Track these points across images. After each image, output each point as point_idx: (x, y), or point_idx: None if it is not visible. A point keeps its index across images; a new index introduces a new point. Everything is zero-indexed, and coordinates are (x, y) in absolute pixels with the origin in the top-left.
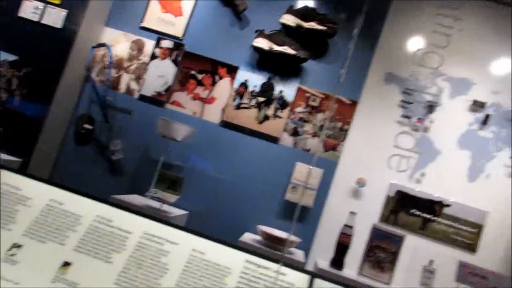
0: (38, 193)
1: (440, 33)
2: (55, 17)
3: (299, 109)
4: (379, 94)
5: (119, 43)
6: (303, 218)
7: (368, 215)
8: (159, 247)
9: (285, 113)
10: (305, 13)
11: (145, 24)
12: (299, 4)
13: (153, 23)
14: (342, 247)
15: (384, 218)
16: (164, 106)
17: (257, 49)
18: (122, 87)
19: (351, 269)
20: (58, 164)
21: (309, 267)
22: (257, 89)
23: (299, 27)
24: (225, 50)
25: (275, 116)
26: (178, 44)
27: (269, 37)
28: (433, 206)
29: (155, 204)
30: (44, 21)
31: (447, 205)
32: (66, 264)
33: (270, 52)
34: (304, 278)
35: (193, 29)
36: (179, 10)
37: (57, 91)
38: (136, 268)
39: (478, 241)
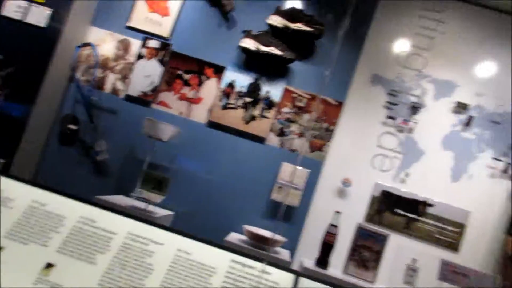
0: (21, 194)
1: (424, 35)
2: (39, 16)
3: (285, 109)
4: (365, 95)
5: (105, 42)
6: (289, 217)
7: (353, 214)
8: (144, 248)
9: (271, 113)
10: (292, 14)
11: (131, 23)
12: (286, 5)
13: (139, 22)
14: (327, 246)
15: (369, 218)
16: (151, 106)
17: (244, 50)
18: (108, 87)
19: (336, 268)
20: (42, 165)
21: (295, 266)
22: (244, 90)
23: (286, 28)
24: (212, 51)
25: (262, 116)
26: (164, 44)
27: (256, 38)
28: (417, 206)
29: (141, 204)
30: (27, 20)
31: (431, 205)
32: (49, 265)
33: (257, 53)
34: (289, 277)
35: (180, 29)
36: (166, 10)
37: (41, 91)
38: (121, 268)
39: (461, 240)
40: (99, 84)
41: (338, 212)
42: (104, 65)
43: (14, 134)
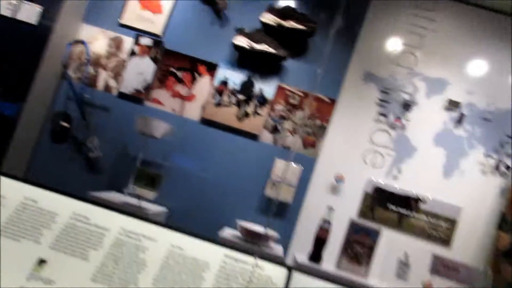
0: (12, 191)
1: (417, 34)
2: (30, 13)
3: (279, 107)
4: (357, 93)
5: (97, 40)
6: (283, 214)
7: (346, 210)
8: (137, 243)
9: (265, 110)
10: (285, 12)
11: (123, 21)
12: (279, 4)
13: (132, 20)
14: (320, 242)
15: (362, 214)
16: (144, 104)
17: (237, 48)
18: (100, 85)
19: (329, 263)
20: (34, 162)
21: (288, 261)
22: (237, 87)
23: (279, 26)
24: (205, 48)
25: (255, 113)
26: (157, 41)
27: (249, 36)
28: (409, 202)
29: (134, 201)
30: (18, 17)
31: (423, 201)
32: (42, 261)
33: (251, 51)
34: (282, 272)
35: (173, 26)
36: (158, 8)
37: (32, 88)
38: (114, 264)
39: (453, 235)
40: (91, 82)
41: (331, 207)
42: (96, 62)
43: (6, 132)
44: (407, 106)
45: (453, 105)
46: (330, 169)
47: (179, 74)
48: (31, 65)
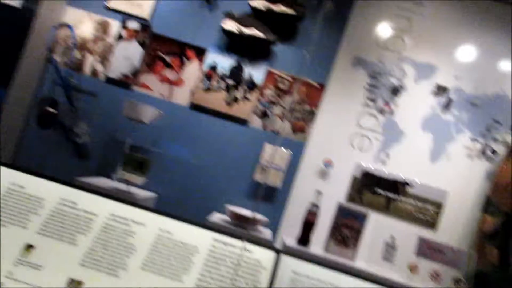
0: None
1: (405, 18)
2: None
3: (268, 91)
4: (346, 77)
5: (82, 23)
6: (272, 198)
7: (335, 194)
8: (125, 228)
9: (254, 95)
10: None
11: (110, 4)
12: None
13: (118, 3)
14: (308, 225)
15: (351, 198)
16: (132, 89)
17: (226, 32)
18: (87, 69)
19: (317, 246)
20: (21, 148)
21: (277, 245)
22: (226, 72)
23: (268, 10)
24: (194, 32)
25: (244, 98)
26: (145, 25)
27: (238, 20)
28: (397, 186)
29: (122, 186)
30: (1, 0)
31: (410, 185)
32: (29, 247)
33: (240, 35)
34: (270, 255)
35: (161, 10)
36: None
37: (16, 73)
38: (102, 249)
39: (439, 218)
40: (78, 66)
41: (319, 192)
42: (82, 46)
43: None
44: (395, 91)
45: (441, 90)
46: (319, 153)
47: (167, 58)
48: (15, 50)
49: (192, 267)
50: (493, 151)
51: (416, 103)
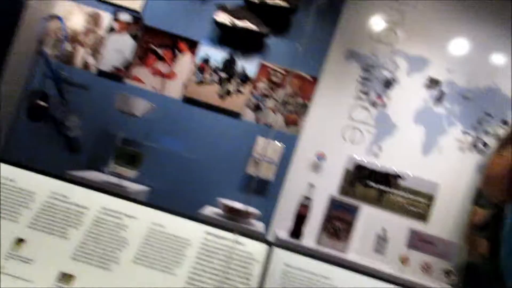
0: None
1: (398, 11)
2: None
3: (261, 84)
4: (339, 70)
5: (73, 15)
6: (264, 191)
7: (327, 187)
8: (117, 222)
9: (247, 88)
10: None
11: None
12: None
13: None
14: (300, 218)
15: (343, 191)
16: (124, 82)
17: (219, 24)
18: (78, 62)
19: (309, 238)
20: (11, 141)
21: (269, 238)
22: (219, 65)
23: (261, 2)
24: (186, 25)
25: (237, 91)
26: (136, 18)
27: (231, 12)
28: (389, 179)
29: (114, 179)
30: None
31: (402, 178)
32: (20, 240)
33: (232, 28)
34: (262, 247)
35: (153, 2)
36: None
37: (6, 65)
38: (94, 243)
39: (430, 211)
40: (69, 59)
41: (311, 184)
42: (73, 39)
43: None
44: (388, 83)
45: (433, 83)
46: (311, 146)
47: (159, 51)
48: (4, 42)
49: (184, 260)
50: (485, 144)
51: (408, 96)
